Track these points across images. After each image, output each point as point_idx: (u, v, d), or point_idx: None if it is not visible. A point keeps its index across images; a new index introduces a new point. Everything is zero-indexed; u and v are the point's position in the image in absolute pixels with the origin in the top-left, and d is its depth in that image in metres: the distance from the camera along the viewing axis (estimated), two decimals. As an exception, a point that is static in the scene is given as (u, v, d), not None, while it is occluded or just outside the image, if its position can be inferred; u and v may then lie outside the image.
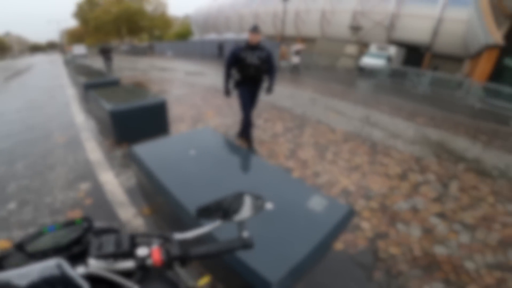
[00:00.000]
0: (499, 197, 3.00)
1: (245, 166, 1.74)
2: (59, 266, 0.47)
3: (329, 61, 18.52)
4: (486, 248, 2.20)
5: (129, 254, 0.52)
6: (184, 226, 1.24)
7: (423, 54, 17.68)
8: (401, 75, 11.08)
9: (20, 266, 0.48)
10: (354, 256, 1.95)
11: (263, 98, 6.85)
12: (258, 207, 0.68)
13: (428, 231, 2.30)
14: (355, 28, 19.22)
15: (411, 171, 3.35)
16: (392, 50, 16.02)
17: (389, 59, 14.60)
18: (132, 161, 1.89)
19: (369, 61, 14.19)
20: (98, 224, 0.61)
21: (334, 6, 20.20)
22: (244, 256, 1.01)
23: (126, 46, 31.53)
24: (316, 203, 1.35)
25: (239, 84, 3.27)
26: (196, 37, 33.22)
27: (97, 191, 2.59)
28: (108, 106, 3.35)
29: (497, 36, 10.50)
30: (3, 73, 16.99)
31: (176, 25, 48.42)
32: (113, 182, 2.74)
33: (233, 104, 6.01)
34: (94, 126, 4.45)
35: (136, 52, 28.75)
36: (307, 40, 22.69)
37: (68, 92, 7.64)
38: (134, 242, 0.55)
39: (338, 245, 2.03)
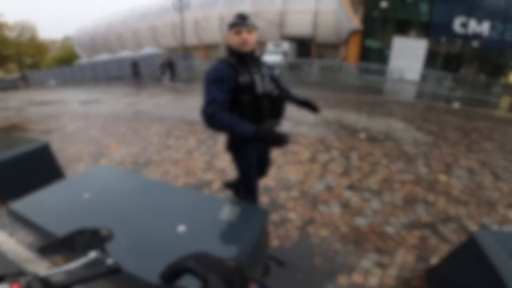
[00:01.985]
0: (391, 158, 3.56)
1: (151, 195, 1.63)
2: None
3: (234, 64, 19.14)
4: (396, 209, 2.48)
5: None
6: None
7: (310, 45, 20.33)
8: (296, 67, 12.45)
9: None
10: (291, 248, 2.00)
11: (171, 113, 6.53)
12: (103, 238, 0.72)
13: (345, 206, 2.50)
14: (251, 29, 20.45)
15: (318, 152, 3.71)
16: (286, 46, 17.79)
17: (285, 54, 16.15)
18: (17, 219, 1.64)
19: (268, 58, 15.34)
20: None
21: (230, 11, 21.00)
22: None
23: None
24: (227, 213, 1.39)
25: (239, 143, 1.65)
26: (83, 59, 29.06)
27: None
28: None
29: (356, 22, 13.03)
30: None
31: (54, 49, 41.13)
32: (9, 242, 2.26)
33: (139, 128, 5.47)
34: None
35: (3, 87, 22.96)
36: (211, 47, 22.93)
37: None
38: None
39: (274, 242, 2.05)
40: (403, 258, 1.94)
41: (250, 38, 1.47)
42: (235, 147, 1.66)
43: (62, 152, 4.26)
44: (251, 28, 1.48)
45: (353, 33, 13.43)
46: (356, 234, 2.15)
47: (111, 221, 1.42)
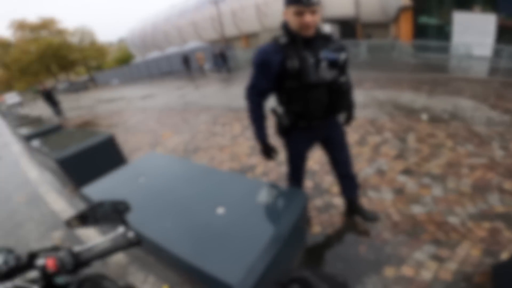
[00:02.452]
0: (457, 139, 3.12)
1: (195, 179, 1.73)
2: None
3: (276, 52, 18.97)
4: (463, 198, 2.16)
5: (29, 265, 0.63)
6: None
7: (354, 26, 18.86)
8: (342, 49, 11.74)
9: None
10: (334, 235, 1.91)
11: (217, 102, 6.80)
12: (122, 210, 0.80)
13: (399, 192, 2.27)
14: (290, 16, 19.89)
15: (368, 134, 3.46)
16: (327, 28, 16.78)
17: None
18: (86, 202, 1.91)
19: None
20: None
21: None
22: (201, 262, 1.06)
23: (63, 84, 29.04)
24: (265, 196, 1.39)
25: (289, 129, 1.48)
26: (137, 58, 31.78)
27: (71, 235, 2.46)
28: (53, 154, 3.16)
29: (404, -1, 11.72)
30: None
31: (112, 51, 45.35)
32: None
33: (189, 118, 5.83)
34: (50, 177, 4.10)
35: (76, 88, 26.55)
36: (251, 36, 22.97)
37: (14, 149, 6.90)
38: (34, 256, 0.65)
39: (316, 228, 1.98)
40: (467, 252, 1.70)
41: (313, 21, 1.19)
42: (285, 132, 1.51)
43: (126, 143, 4.77)
44: (316, 7, 1.17)
45: (402, 10, 12.13)
46: (410, 223, 1.94)
47: (159, 203, 1.52)
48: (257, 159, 3.22)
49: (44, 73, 33.01)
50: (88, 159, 3.33)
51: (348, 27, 18.86)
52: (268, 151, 1.54)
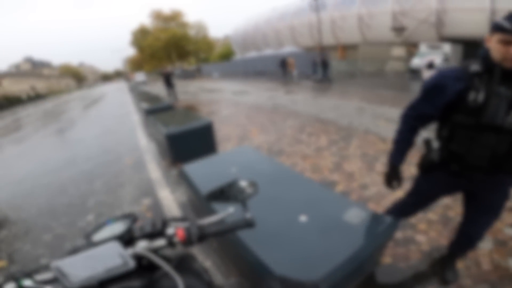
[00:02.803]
0: None
1: (283, 180, 1.77)
2: (114, 248, 0.59)
3: (376, 66, 17.65)
4: None
5: (161, 233, 0.68)
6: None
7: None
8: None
9: (86, 251, 0.59)
10: (404, 269, 1.84)
11: (305, 110, 6.92)
12: (252, 189, 0.84)
13: (501, 244, 2.03)
14: (398, 29, 18.14)
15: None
16: (447, 48, 14.53)
17: (446, 58, 13.26)
18: (183, 179, 2.12)
19: (420, 61, 13.10)
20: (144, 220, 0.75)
21: (370, 9, 19.38)
22: (270, 262, 1.08)
23: (178, 70, 34.76)
24: (353, 216, 1.33)
25: (432, 168, 1.36)
26: (237, 56, 34.78)
27: (156, 206, 2.95)
28: (164, 130, 3.76)
29: None
30: (83, 102, 20.40)
31: (218, 47, 50.57)
32: (169, 198, 3.07)
33: (276, 120, 6.15)
34: (154, 148, 5.05)
35: (186, 75, 31.43)
36: (349, 47, 22.06)
37: (133, 118, 8.83)
38: (165, 225, 0.70)
39: (385, 259, 1.93)
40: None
41: None
42: (426, 167, 1.39)
43: (218, 131, 5.33)
44: None
45: None
46: (500, 274, 1.78)
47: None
48: (339, 176, 3.18)
49: (165, 59, 40.17)
50: (188, 139, 3.83)
51: (474, 47, 15.83)
52: (392, 178, 1.45)
